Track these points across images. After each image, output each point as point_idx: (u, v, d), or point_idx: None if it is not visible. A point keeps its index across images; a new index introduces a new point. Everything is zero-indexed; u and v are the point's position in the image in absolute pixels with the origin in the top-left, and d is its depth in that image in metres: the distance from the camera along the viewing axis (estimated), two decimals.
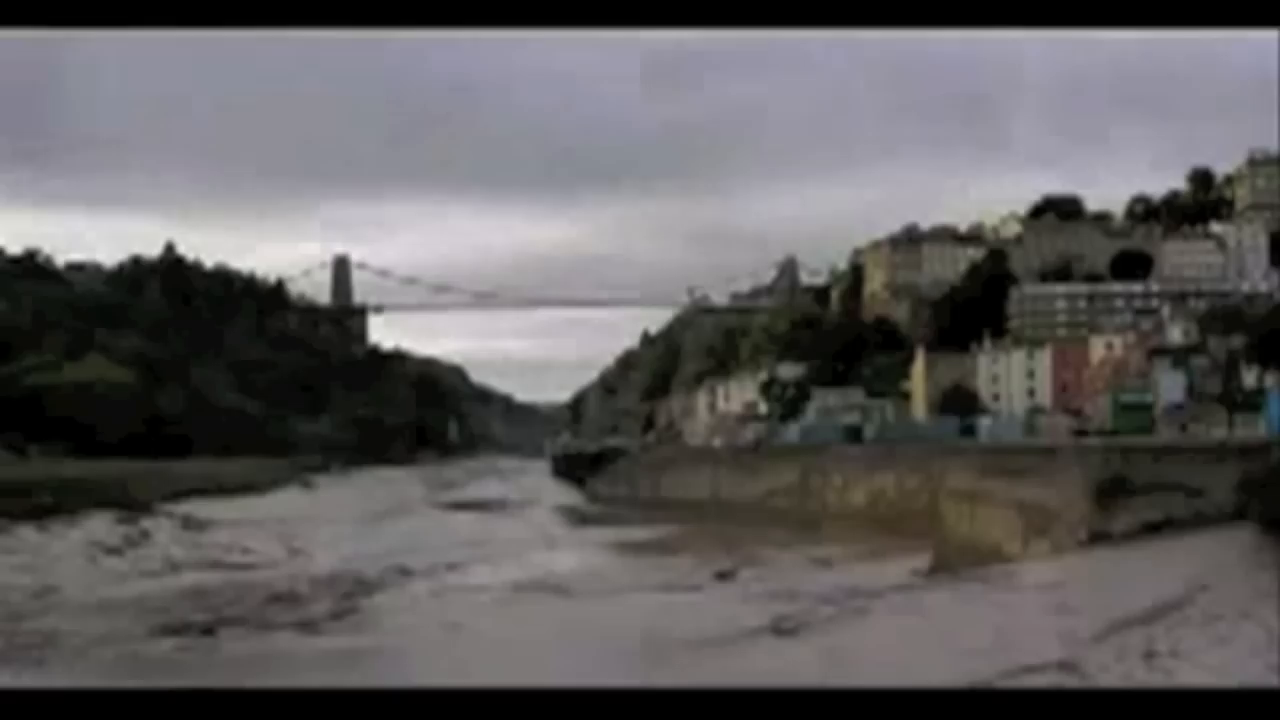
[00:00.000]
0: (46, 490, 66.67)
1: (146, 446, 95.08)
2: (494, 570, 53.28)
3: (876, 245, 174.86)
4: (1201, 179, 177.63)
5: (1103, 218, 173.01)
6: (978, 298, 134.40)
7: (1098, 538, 38.63)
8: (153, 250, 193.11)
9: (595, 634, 35.03)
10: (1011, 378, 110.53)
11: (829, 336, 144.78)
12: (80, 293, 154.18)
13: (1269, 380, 69.54)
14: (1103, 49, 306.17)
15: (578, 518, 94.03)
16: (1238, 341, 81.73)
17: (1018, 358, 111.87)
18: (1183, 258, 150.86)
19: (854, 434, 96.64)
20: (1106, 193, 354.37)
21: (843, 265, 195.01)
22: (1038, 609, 29.91)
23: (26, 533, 60.51)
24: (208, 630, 35.66)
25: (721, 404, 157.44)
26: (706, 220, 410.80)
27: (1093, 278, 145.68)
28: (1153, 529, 36.68)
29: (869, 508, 78.59)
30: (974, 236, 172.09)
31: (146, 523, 66.48)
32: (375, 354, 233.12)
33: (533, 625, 37.53)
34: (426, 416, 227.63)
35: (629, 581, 47.57)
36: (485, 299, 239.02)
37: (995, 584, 36.93)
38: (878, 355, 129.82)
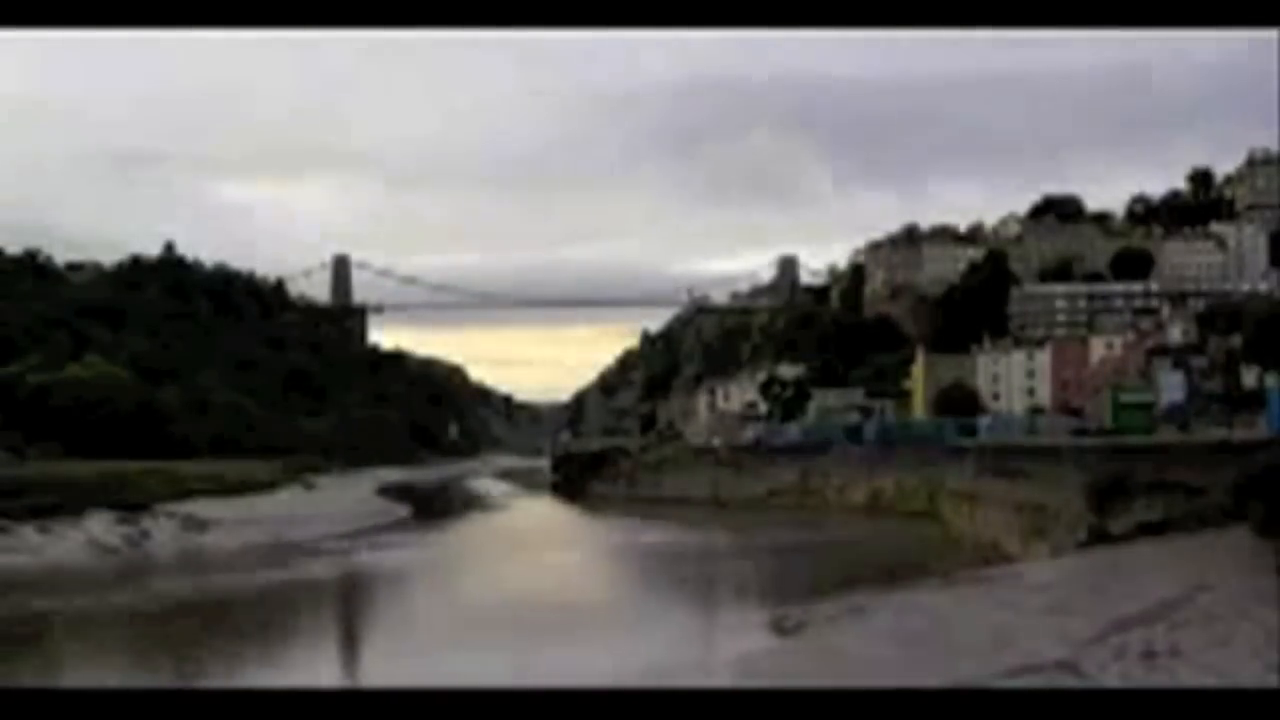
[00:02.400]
0: (46, 490, 66.61)
1: (146, 446, 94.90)
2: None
3: (876, 245, 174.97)
4: (1201, 179, 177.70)
5: (1103, 218, 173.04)
6: (978, 298, 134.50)
7: (1097, 538, 38.64)
8: (153, 250, 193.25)
9: None
10: (1011, 377, 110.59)
11: (829, 336, 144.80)
12: (80, 293, 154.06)
13: (1269, 380, 69.55)
14: (1103, 48, 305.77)
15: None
16: (1237, 341, 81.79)
17: (1018, 358, 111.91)
18: (1183, 258, 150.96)
19: (854, 434, 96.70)
20: (1106, 193, 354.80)
21: (843, 265, 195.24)
22: (1036, 609, 29.92)
23: (26, 532, 60.58)
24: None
25: (721, 404, 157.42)
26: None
27: (1093, 278, 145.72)
28: (1152, 529, 36.66)
29: (869, 505, 79.09)
30: (974, 236, 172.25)
31: (146, 522, 66.61)
32: (375, 354, 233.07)
33: None
34: (426, 416, 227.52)
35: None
36: (485, 298, 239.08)
37: (995, 584, 36.94)
38: (878, 355, 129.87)
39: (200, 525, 68.36)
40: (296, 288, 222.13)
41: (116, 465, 79.91)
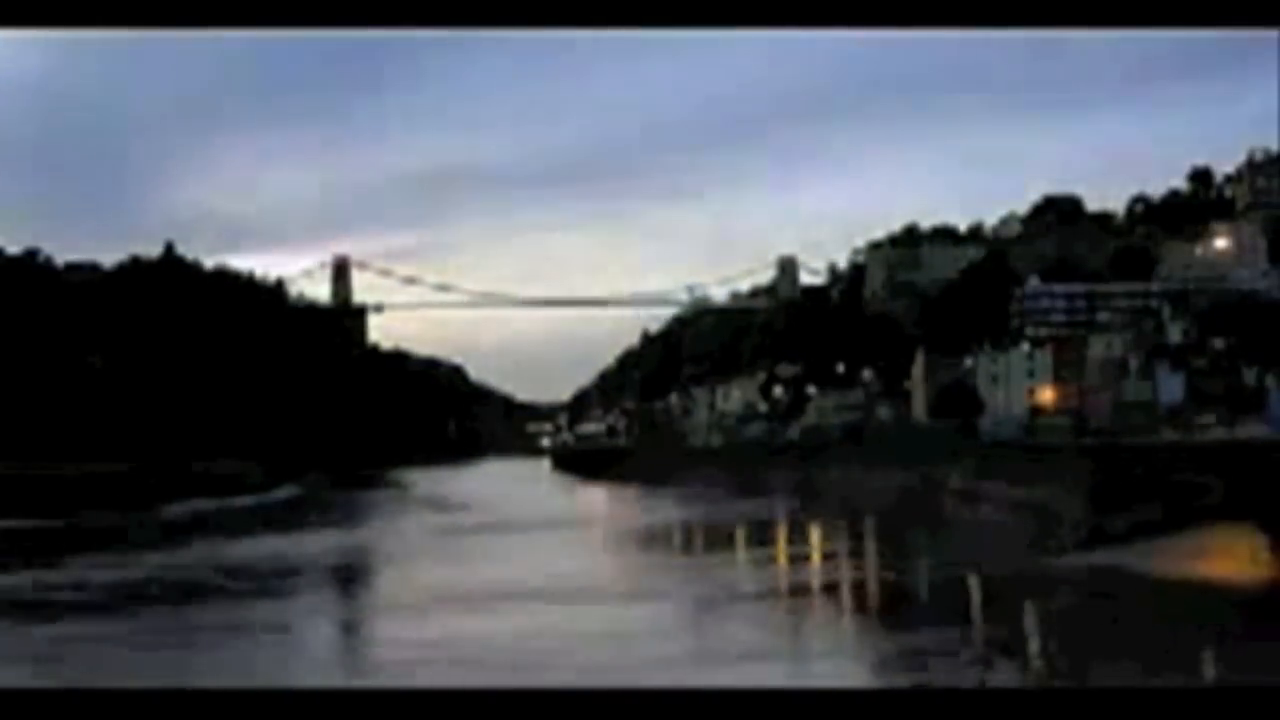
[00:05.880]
0: (46, 490, 66.82)
1: (147, 446, 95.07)
2: None
3: (876, 245, 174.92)
4: (1201, 179, 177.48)
5: (1103, 218, 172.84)
6: (978, 298, 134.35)
7: (1097, 537, 38.66)
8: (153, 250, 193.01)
9: None
10: (1011, 377, 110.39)
11: (829, 336, 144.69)
12: (80, 293, 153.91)
13: (1269, 380, 69.53)
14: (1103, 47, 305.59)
15: None
16: (1237, 341, 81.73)
17: (1018, 358, 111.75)
18: (1183, 258, 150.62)
19: (854, 434, 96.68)
20: (1106, 193, 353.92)
21: (843, 265, 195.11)
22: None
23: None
24: None
25: (721, 404, 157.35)
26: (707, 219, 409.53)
27: (1093, 278, 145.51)
28: (1152, 529, 36.68)
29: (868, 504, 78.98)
30: (974, 236, 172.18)
31: None
32: (375, 354, 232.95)
33: None
34: (426, 416, 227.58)
35: None
36: (485, 298, 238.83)
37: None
38: (878, 355, 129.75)
39: None
40: (296, 288, 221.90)
41: (116, 465, 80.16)
